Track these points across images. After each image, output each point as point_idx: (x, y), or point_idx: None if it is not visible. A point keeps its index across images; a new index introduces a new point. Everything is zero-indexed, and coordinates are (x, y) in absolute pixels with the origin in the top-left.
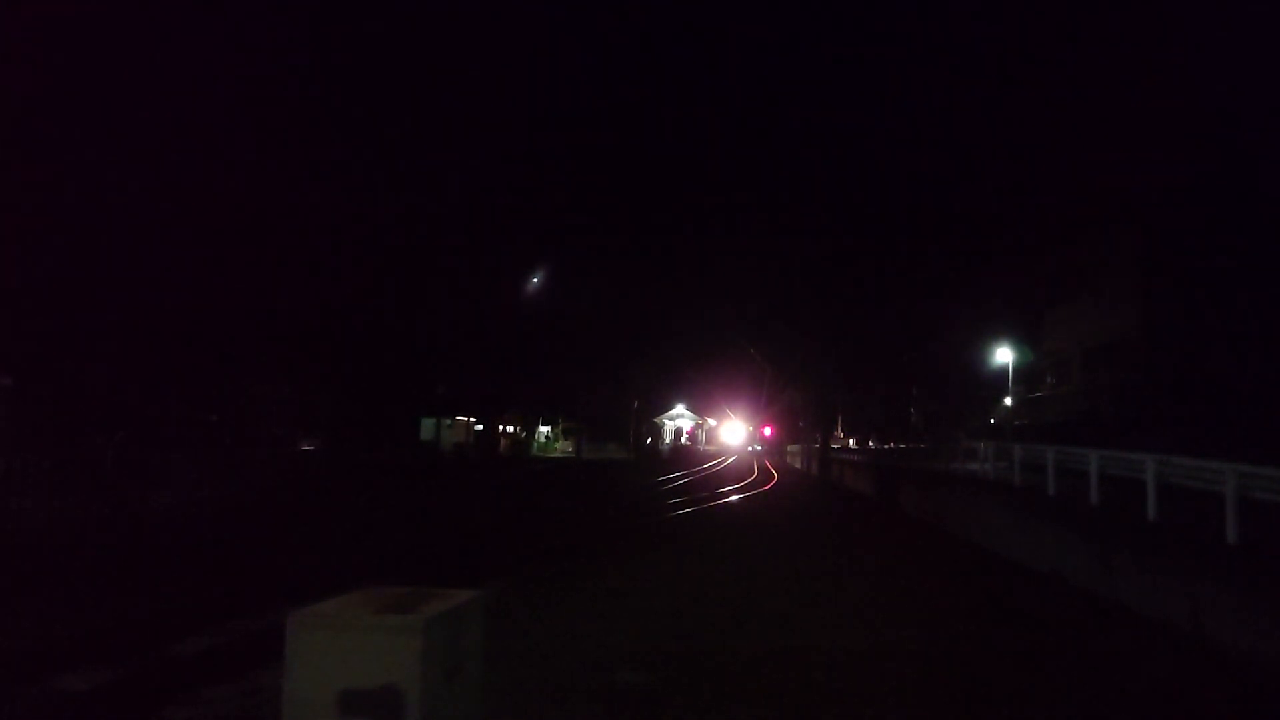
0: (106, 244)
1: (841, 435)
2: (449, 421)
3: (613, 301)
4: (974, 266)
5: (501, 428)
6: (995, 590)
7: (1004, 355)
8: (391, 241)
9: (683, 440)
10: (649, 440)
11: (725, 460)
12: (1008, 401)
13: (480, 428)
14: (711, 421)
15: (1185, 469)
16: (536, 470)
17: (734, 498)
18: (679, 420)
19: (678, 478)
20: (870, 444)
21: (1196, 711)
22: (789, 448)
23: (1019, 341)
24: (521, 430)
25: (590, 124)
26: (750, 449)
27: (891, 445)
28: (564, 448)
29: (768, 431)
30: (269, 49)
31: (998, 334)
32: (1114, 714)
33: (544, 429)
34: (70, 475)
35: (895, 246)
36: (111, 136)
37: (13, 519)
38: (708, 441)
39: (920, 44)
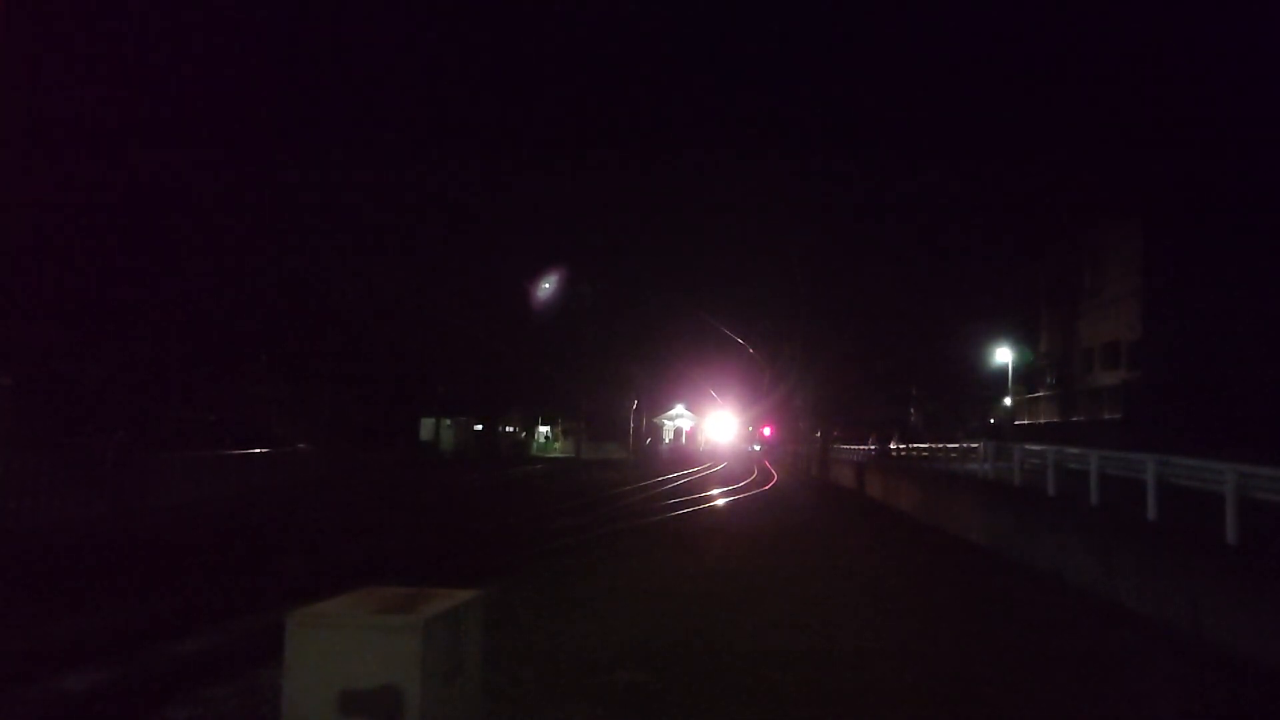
0: (106, 244)
1: (836, 435)
2: (448, 421)
3: (614, 301)
4: (974, 266)
5: (501, 428)
6: (995, 590)
7: (1004, 355)
8: (392, 241)
9: (682, 441)
10: (648, 441)
11: (725, 461)
12: (1008, 401)
13: (480, 428)
14: (712, 422)
15: (1185, 469)
16: (535, 470)
17: (734, 498)
18: (679, 420)
19: (677, 478)
20: (872, 444)
21: (1196, 711)
22: (791, 449)
23: (1019, 341)
24: (521, 430)
25: (592, 119)
26: (751, 449)
27: (891, 445)
28: (563, 448)
29: (767, 432)
30: (267, 39)
31: (997, 334)
32: (1114, 714)
33: (543, 429)
34: (70, 475)
35: (895, 245)
36: (111, 138)
37: (12, 519)
38: (707, 442)
39: (919, 42)
